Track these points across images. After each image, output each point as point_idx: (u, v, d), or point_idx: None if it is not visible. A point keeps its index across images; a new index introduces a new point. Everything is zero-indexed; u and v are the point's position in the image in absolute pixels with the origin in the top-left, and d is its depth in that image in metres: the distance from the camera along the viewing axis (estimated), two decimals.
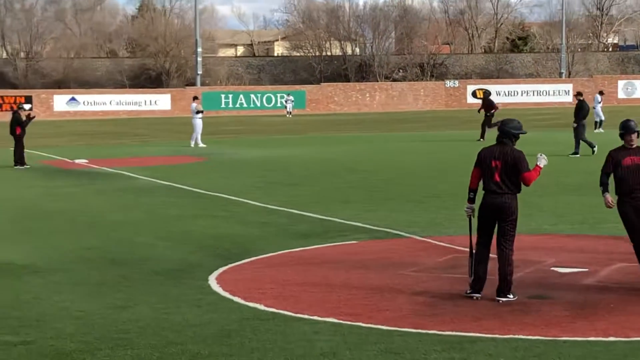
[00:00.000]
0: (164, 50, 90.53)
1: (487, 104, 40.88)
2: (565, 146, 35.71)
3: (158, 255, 14.52)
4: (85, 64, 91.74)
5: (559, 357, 8.76)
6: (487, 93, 41.35)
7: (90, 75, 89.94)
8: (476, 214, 11.33)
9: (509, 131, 11.26)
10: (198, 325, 10.18)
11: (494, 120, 38.30)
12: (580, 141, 31.45)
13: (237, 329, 9.96)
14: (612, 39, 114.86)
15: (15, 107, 33.98)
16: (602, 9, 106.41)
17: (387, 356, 8.88)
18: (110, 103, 76.82)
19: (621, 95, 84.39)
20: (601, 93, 50.65)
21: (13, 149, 31.61)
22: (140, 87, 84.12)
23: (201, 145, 39.37)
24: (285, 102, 73.22)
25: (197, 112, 40.02)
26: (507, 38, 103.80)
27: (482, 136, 37.99)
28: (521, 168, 11.05)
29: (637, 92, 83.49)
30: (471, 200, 11.37)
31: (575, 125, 32.00)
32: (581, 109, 32.64)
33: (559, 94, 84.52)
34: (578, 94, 33.91)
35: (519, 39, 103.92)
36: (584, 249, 14.36)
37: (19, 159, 31.16)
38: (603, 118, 46.44)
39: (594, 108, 46.52)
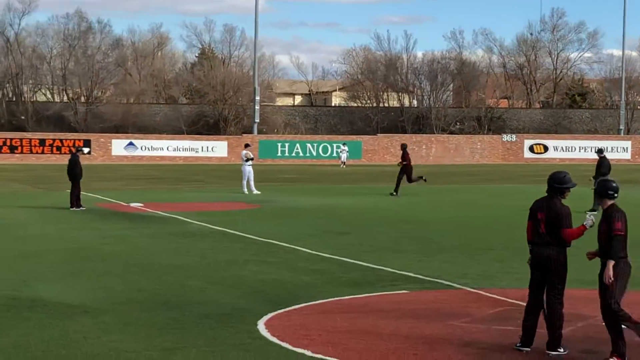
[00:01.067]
0: (222, 97, 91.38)
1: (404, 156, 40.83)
2: (621, 203, 35.34)
3: (208, 299, 14.54)
4: (144, 109, 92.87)
5: None
6: (404, 145, 41.50)
7: (149, 121, 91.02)
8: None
9: (552, 185, 11.19)
10: None
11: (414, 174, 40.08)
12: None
13: None
14: None
15: (74, 150, 34.40)
16: None
17: None
18: (167, 149, 77.58)
19: None
20: None
21: (70, 190, 31.97)
22: (198, 134, 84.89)
23: (255, 192, 39.50)
24: (340, 151, 73.37)
25: (247, 160, 40.20)
26: (566, 93, 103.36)
27: (396, 190, 39.25)
28: (561, 224, 10.95)
29: None
30: (530, 252, 11.30)
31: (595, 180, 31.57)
32: (601, 166, 32.58)
33: (617, 150, 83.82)
34: (599, 151, 33.61)
35: (578, 94, 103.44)
36: (639, 306, 14.12)
37: (76, 201, 31.52)
38: None
39: None
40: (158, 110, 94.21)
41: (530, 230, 11.18)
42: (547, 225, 10.99)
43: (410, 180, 40.41)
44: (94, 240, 22.65)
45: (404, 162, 40.26)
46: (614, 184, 11.09)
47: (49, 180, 49.08)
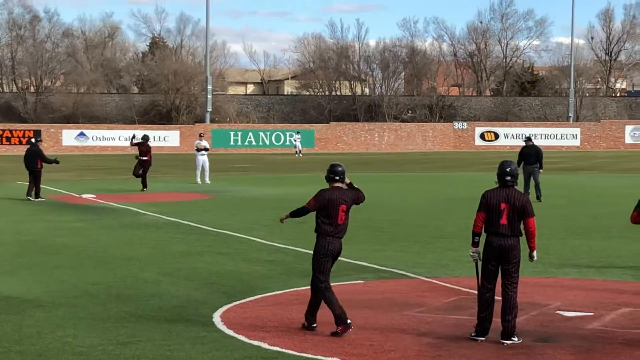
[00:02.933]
0: (174, 87, 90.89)
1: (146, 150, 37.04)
2: (572, 190, 35.71)
3: (163, 292, 14.49)
4: (95, 99, 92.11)
5: None
6: (145, 137, 37.56)
7: (100, 111, 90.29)
8: (481, 256, 11.33)
9: (511, 175, 11.27)
10: None
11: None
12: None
13: None
14: (621, 84, 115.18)
15: (31, 141, 34.19)
16: (611, 55, 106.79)
17: None
18: (119, 139, 77.04)
19: (628, 140, 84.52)
20: None
21: (28, 182, 31.50)
22: (150, 123, 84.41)
23: (207, 182, 39.38)
24: (294, 140, 73.35)
25: (199, 150, 40.00)
26: (516, 81, 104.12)
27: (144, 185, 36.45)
28: (529, 213, 11.08)
29: None
30: (476, 244, 11.38)
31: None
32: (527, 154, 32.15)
33: (566, 137, 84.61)
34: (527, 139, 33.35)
35: (528, 82, 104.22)
36: (590, 293, 14.31)
37: (37, 192, 31.10)
38: None
39: None
40: (109, 100, 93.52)
41: (487, 221, 11.20)
42: (510, 215, 11.07)
43: (137, 175, 36.70)
44: (47, 233, 22.47)
45: (144, 158, 36.49)
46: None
47: None
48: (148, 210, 27.75)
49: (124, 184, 40.19)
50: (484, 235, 11.27)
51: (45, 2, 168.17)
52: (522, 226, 11.16)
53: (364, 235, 21.84)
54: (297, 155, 69.79)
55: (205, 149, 40.14)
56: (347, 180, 12.22)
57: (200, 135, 43.06)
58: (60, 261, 17.81)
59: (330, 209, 11.88)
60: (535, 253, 11.29)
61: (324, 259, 11.84)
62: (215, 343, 11.07)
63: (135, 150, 37.79)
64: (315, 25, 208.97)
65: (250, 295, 14.18)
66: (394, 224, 24.21)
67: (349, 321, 11.51)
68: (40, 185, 31.64)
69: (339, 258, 17.21)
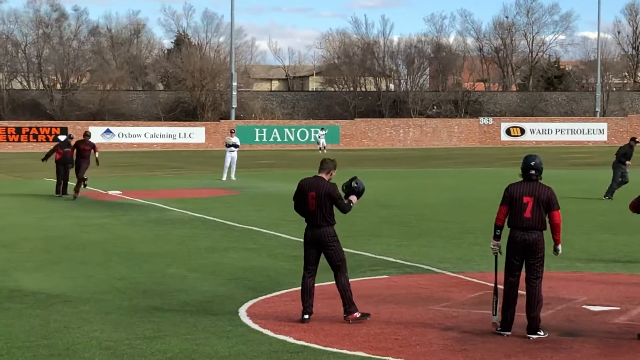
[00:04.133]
0: (200, 83, 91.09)
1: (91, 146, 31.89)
2: (598, 184, 35.55)
3: (189, 287, 14.56)
4: (121, 96, 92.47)
5: None
6: (88, 134, 32.49)
7: (126, 108, 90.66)
8: (503, 251, 11.32)
9: (535, 168, 11.24)
10: (227, 356, 10.20)
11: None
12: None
13: None
14: None
15: (64, 136, 34.29)
16: (638, 49, 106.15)
17: None
18: (145, 135, 77.35)
19: None
20: None
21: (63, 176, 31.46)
22: (175, 120, 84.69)
23: (233, 178, 39.42)
24: (319, 137, 73.32)
25: (228, 146, 39.95)
26: (542, 76, 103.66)
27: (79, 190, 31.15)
28: (553, 206, 11.06)
29: None
30: (497, 238, 11.37)
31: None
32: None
33: (593, 132, 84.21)
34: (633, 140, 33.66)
35: (554, 77, 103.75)
36: (616, 288, 14.26)
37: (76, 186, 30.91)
38: None
39: None
40: (135, 97, 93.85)
41: (511, 215, 11.19)
42: (534, 209, 11.04)
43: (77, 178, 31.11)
44: (74, 229, 22.60)
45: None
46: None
47: (25, 169, 48.89)
48: (173, 207, 27.85)
49: (149, 181, 40.35)
50: (507, 230, 11.25)
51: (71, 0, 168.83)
52: (547, 220, 11.13)
53: (390, 231, 21.85)
54: (320, 151, 69.69)
55: (235, 146, 40.00)
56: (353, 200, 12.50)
57: (231, 132, 42.57)
58: (87, 257, 17.92)
59: (300, 196, 12.38)
60: (560, 246, 11.26)
61: (304, 247, 12.35)
62: (241, 337, 11.11)
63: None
64: (339, 21, 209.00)
65: (276, 290, 14.22)
66: (420, 219, 24.20)
67: (306, 316, 11.95)
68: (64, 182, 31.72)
69: (363, 253, 17.20)
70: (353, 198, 12.29)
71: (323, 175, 12.37)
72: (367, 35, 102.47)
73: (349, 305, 11.97)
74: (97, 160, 31.66)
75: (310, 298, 12.08)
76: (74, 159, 31.39)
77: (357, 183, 12.43)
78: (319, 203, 12.08)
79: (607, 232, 21.19)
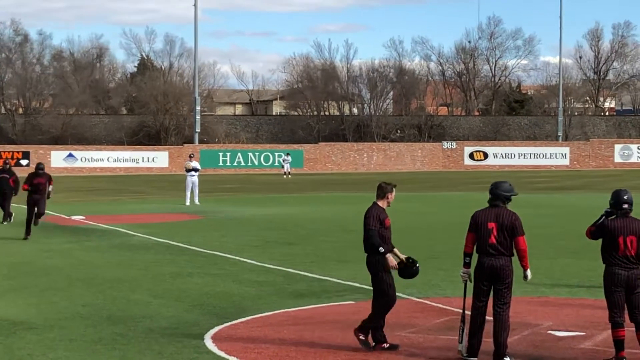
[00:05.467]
0: (163, 107, 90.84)
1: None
2: (561, 208, 35.78)
3: (153, 313, 14.46)
4: (84, 120, 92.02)
5: None
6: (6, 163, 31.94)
7: (89, 132, 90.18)
8: (471, 277, 11.36)
9: (501, 194, 11.31)
10: None
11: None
12: None
13: None
14: (609, 103, 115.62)
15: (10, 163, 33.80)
16: (599, 74, 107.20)
17: None
18: (107, 160, 76.99)
19: (618, 159, 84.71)
20: None
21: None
22: (139, 144, 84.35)
23: (197, 203, 39.29)
24: (283, 161, 73.30)
25: (188, 171, 39.92)
26: (505, 101, 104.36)
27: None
28: (517, 232, 11.11)
29: (633, 156, 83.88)
30: (467, 265, 11.41)
31: None
32: None
33: (555, 157, 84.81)
34: None
35: (516, 101, 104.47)
36: (581, 313, 14.33)
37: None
38: None
39: None
40: (98, 121, 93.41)
41: (477, 241, 11.23)
42: (499, 235, 11.09)
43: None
44: (37, 255, 22.39)
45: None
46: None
47: None
48: (137, 232, 27.69)
49: (113, 205, 40.11)
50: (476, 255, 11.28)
51: (34, 23, 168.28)
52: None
53: (356, 256, 21.79)
54: (285, 176, 69.65)
55: (195, 170, 40.00)
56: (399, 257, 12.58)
57: (190, 156, 42.81)
58: (50, 283, 17.76)
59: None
60: (529, 272, 11.31)
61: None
62: None
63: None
64: (302, 45, 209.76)
65: (241, 317, 14.15)
66: None
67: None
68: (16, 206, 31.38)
69: (328, 279, 17.22)
70: (389, 257, 12.32)
71: (379, 203, 13.02)
72: (330, 59, 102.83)
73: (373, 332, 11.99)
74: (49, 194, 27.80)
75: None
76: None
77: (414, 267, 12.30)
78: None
79: (571, 257, 21.31)
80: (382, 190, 12.35)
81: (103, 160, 76.89)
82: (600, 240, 11.20)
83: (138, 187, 55.80)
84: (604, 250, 11.09)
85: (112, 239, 25.93)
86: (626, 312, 10.97)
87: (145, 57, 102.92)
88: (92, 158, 76.88)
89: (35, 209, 26.71)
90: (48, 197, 27.54)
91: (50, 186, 27.71)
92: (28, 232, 26.29)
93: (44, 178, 27.32)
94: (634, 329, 10.98)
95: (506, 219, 11.15)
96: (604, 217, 11.27)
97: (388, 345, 11.80)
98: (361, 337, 11.82)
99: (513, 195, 11.40)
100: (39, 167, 27.71)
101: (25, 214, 26.75)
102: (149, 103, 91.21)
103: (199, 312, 14.62)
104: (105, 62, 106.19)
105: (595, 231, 11.24)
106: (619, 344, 10.86)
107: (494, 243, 11.11)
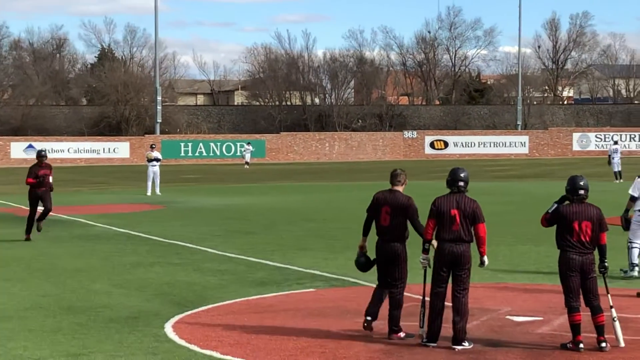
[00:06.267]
0: (124, 98, 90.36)
1: None
2: (519, 196, 36.05)
3: (114, 303, 14.44)
4: (44, 111, 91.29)
5: None
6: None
7: (49, 123, 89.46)
8: (431, 263, 11.46)
9: (460, 182, 11.40)
10: None
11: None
12: None
13: None
14: (568, 92, 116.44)
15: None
16: (558, 63, 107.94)
17: None
18: (68, 151, 76.53)
19: (576, 147, 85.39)
20: (616, 142, 51.55)
21: None
22: (99, 135, 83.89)
23: (158, 193, 39.21)
24: (244, 151, 73.16)
25: (150, 161, 39.89)
26: (465, 90, 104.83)
27: None
28: (479, 219, 11.21)
29: (591, 144, 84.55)
30: (426, 251, 11.50)
31: None
32: None
33: (515, 145, 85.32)
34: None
35: (476, 91, 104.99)
36: (539, 298, 14.48)
37: None
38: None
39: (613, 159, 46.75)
40: (58, 112, 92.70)
41: (439, 228, 11.33)
42: (461, 221, 11.19)
43: None
44: None
45: None
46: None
47: None
48: (98, 222, 27.60)
49: (73, 196, 39.91)
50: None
51: None
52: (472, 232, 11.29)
53: (316, 244, 21.91)
54: (245, 166, 69.38)
55: (157, 160, 40.01)
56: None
57: (151, 147, 42.88)
58: (10, 274, 17.67)
59: (375, 208, 12.09)
60: (486, 258, 11.43)
61: (376, 260, 12.09)
62: (168, 354, 11.05)
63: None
64: (262, 35, 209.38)
65: (202, 305, 14.17)
66: (346, 233, 24.26)
67: (369, 317, 11.95)
68: None
69: (289, 267, 17.27)
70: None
71: (398, 188, 12.10)
72: (291, 49, 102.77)
73: (394, 323, 11.87)
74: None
75: (377, 305, 12.06)
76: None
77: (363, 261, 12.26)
78: (393, 218, 11.86)
79: (529, 243, 21.51)
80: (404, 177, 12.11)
81: (64, 151, 76.41)
82: (555, 227, 11.34)
83: (99, 178, 55.54)
84: (558, 235, 11.23)
85: (73, 230, 25.82)
86: (582, 296, 11.12)
87: (106, 48, 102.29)
88: (52, 149, 76.17)
89: (39, 206, 23.46)
90: (51, 190, 23.79)
91: (50, 177, 23.84)
92: (29, 230, 23.19)
93: (48, 169, 23.80)
94: (589, 313, 11.12)
95: (467, 206, 11.26)
96: (556, 204, 11.42)
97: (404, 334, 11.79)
98: (400, 335, 11.79)
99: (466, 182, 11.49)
100: (42, 154, 23.99)
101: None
102: (110, 94, 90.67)
103: (160, 301, 14.62)
104: (65, 52, 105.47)
105: (550, 218, 11.38)
106: (575, 328, 11.01)
107: (457, 230, 11.21)
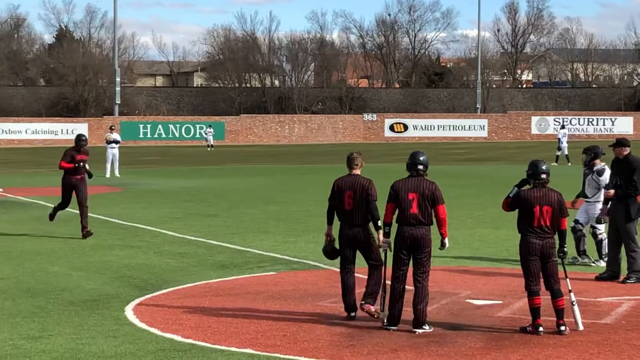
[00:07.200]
0: (82, 79, 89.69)
1: None
2: (478, 179, 36.25)
3: (73, 286, 14.35)
4: (1, 92, 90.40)
5: None
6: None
7: (6, 104, 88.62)
8: (391, 246, 11.49)
9: (419, 165, 11.42)
10: (113, 356, 10.09)
11: None
12: None
13: None
14: (526, 76, 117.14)
15: None
16: (517, 47, 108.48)
17: None
18: (26, 132, 75.85)
19: (535, 131, 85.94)
20: (563, 127, 52.21)
21: None
22: (57, 116, 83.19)
23: (117, 175, 39.01)
24: (206, 133, 72.90)
25: (108, 142, 39.70)
26: (424, 73, 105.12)
27: None
28: (438, 201, 11.25)
29: (550, 128, 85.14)
30: (387, 235, 11.52)
31: None
32: None
33: (474, 128, 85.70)
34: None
35: (435, 74, 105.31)
36: (499, 282, 14.57)
37: None
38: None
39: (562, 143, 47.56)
40: (15, 93, 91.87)
41: (398, 211, 11.35)
42: (420, 204, 11.22)
43: None
44: None
45: None
46: None
47: None
48: (56, 204, 27.33)
49: (31, 178, 39.57)
50: (395, 225, 11.40)
51: None
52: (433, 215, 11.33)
53: (276, 227, 21.90)
54: (208, 149, 69.17)
55: (116, 142, 39.85)
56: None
57: (110, 128, 42.71)
58: None
59: (337, 195, 12.04)
60: (447, 240, 11.48)
61: (341, 246, 12.04)
62: (128, 336, 11.01)
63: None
64: (221, 17, 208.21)
65: (162, 288, 14.12)
66: (306, 216, 24.30)
67: (352, 314, 11.90)
68: None
69: (250, 250, 17.26)
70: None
71: (357, 172, 12.11)
72: (251, 31, 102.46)
73: (371, 297, 11.87)
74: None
75: (352, 294, 11.97)
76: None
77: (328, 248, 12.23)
78: (356, 201, 11.83)
79: (489, 227, 21.63)
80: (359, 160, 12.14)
81: (21, 132, 75.75)
82: (516, 211, 11.41)
83: (57, 159, 54.94)
84: (520, 220, 11.30)
85: (31, 212, 25.62)
86: (542, 280, 11.21)
87: (64, 28, 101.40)
88: (9, 130, 75.64)
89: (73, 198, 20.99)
90: (90, 177, 21.61)
91: (87, 165, 21.42)
92: (52, 218, 21.35)
93: (86, 154, 21.47)
94: (549, 296, 11.21)
95: (427, 188, 11.28)
96: (517, 188, 11.49)
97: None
98: (371, 308, 11.84)
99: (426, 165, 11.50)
100: (82, 139, 21.57)
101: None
102: (68, 75, 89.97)
103: (119, 284, 14.54)
104: (23, 33, 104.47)
105: (511, 202, 11.44)
106: (535, 311, 11.09)
107: (415, 213, 11.24)
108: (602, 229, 16.21)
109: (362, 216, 11.86)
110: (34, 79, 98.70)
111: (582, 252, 16.51)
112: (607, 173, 15.83)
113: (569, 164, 45.00)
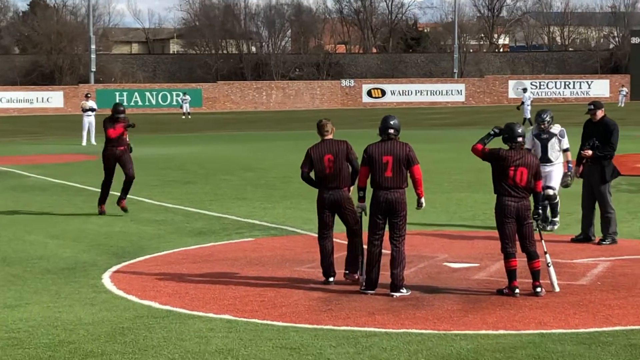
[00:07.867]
0: (57, 47, 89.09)
1: None
2: (455, 143, 36.31)
3: (50, 254, 14.31)
4: None
5: (450, 350, 8.91)
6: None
7: None
8: (367, 211, 11.50)
9: (392, 128, 11.39)
10: (91, 323, 10.07)
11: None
12: None
13: (131, 326, 9.88)
14: (503, 40, 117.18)
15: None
16: (493, 11, 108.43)
17: (283, 352, 8.92)
18: (0, 100, 75.33)
19: (512, 95, 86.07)
20: (525, 90, 52.80)
21: None
22: (32, 85, 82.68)
23: (93, 143, 38.85)
24: (182, 101, 72.57)
25: (84, 110, 39.53)
26: (402, 38, 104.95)
27: None
28: (413, 161, 11.24)
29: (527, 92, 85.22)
30: (362, 199, 11.53)
31: None
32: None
33: (451, 93, 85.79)
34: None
35: (412, 39, 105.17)
36: (475, 245, 14.63)
37: None
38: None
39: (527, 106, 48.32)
40: None
41: (372, 175, 11.35)
42: (395, 167, 11.21)
43: None
44: None
45: None
46: None
47: None
48: (33, 173, 27.27)
49: (7, 147, 39.38)
50: (370, 190, 11.40)
51: None
52: (408, 177, 11.33)
53: (254, 193, 21.88)
54: (184, 117, 68.79)
55: (92, 109, 39.67)
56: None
57: (86, 96, 42.48)
58: None
59: (316, 161, 12.04)
60: (423, 200, 11.48)
61: (320, 210, 12.07)
62: (106, 304, 10.99)
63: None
64: None
65: (139, 256, 14.10)
66: (284, 182, 24.28)
67: (330, 279, 11.91)
68: None
69: (227, 216, 17.23)
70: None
71: (329, 137, 12.15)
72: None
73: (353, 265, 11.92)
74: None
75: (330, 260, 12.01)
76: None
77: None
78: (336, 163, 11.87)
79: (466, 191, 21.69)
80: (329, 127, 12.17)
81: None
82: (492, 179, 11.43)
83: (33, 128, 54.83)
84: (495, 180, 11.33)
85: (7, 181, 25.50)
86: (518, 242, 11.25)
87: None
88: None
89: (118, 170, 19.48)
90: (130, 151, 20.01)
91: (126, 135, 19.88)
92: (103, 200, 18.97)
93: (124, 124, 19.79)
94: (525, 259, 11.26)
95: (400, 151, 11.27)
96: (492, 136, 11.58)
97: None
98: (355, 276, 11.87)
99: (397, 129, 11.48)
100: (120, 109, 20.00)
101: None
102: (43, 42, 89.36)
103: (96, 252, 14.51)
104: None
105: (488, 154, 11.46)
106: (511, 273, 11.14)
107: (390, 176, 11.23)
108: (557, 189, 16.15)
109: (343, 179, 11.87)
110: (8, 47, 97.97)
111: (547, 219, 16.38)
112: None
113: (531, 127, 45.09)
